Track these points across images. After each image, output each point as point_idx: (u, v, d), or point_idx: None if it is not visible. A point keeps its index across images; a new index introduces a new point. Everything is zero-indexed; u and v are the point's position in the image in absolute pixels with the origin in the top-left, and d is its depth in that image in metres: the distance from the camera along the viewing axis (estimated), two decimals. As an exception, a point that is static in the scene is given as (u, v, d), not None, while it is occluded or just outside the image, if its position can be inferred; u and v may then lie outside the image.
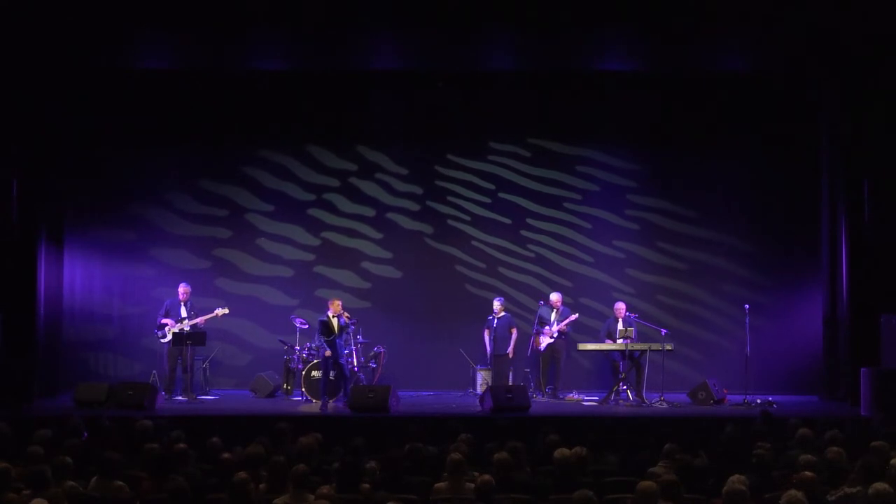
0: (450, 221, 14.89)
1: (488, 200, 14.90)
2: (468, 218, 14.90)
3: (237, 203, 14.79)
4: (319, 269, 14.82)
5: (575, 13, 11.69)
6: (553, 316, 13.57)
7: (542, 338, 13.51)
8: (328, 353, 12.38)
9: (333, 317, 12.47)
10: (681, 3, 11.62)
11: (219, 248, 14.78)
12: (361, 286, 14.72)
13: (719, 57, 13.72)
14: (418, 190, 14.91)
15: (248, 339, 14.60)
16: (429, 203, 14.89)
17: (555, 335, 13.48)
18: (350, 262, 14.82)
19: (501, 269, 14.85)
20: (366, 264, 14.83)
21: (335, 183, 14.88)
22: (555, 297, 13.70)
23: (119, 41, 12.84)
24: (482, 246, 14.89)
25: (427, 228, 14.89)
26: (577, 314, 13.64)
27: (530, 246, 14.86)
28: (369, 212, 14.86)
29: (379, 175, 14.89)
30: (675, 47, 13.15)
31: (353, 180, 14.88)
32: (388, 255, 14.85)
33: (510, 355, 13.61)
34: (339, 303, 12.69)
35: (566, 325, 13.49)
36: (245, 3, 11.72)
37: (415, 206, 14.88)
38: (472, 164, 14.93)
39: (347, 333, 12.92)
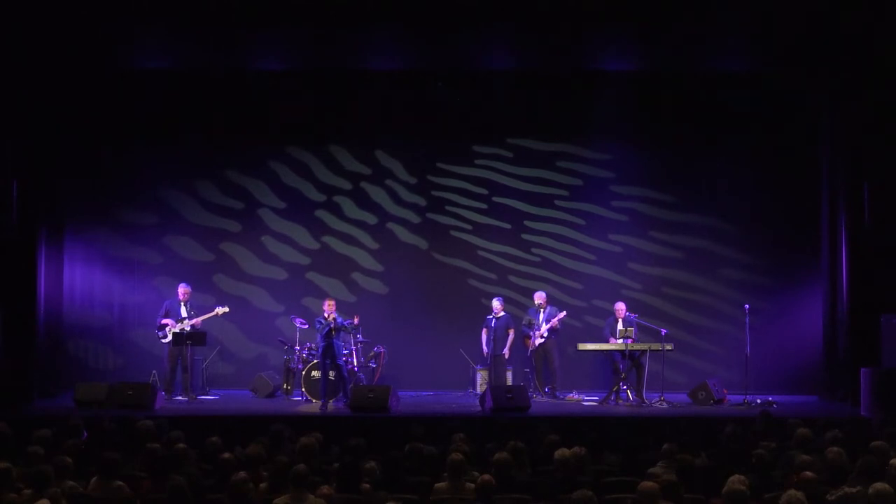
0: (452, 232, 14.87)
1: (485, 206, 14.89)
2: (470, 227, 14.89)
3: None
4: (311, 275, 14.79)
5: (573, 13, 11.69)
6: (540, 316, 13.57)
7: (533, 338, 13.51)
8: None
9: (329, 317, 12.44)
10: (681, 3, 11.62)
11: (225, 242, 14.80)
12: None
13: (719, 57, 13.68)
14: (422, 201, 14.89)
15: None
16: (429, 215, 14.86)
17: (545, 335, 13.47)
18: (342, 272, 14.76)
19: (512, 278, 14.80)
20: (355, 275, 14.79)
21: (347, 185, 14.87)
22: (538, 296, 13.70)
23: (123, 41, 12.83)
24: (487, 254, 14.87)
25: (427, 238, 14.85)
26: (564, 312, 13.61)
27: (534, 249, 14.85)
28: (372, 219, 14.83)
29: (389, 182, 14.88)
30: (675, 47, 13.13)
31: (364, 184, 14.87)
32: (380, 266, 14.81)
33: (506, 355, 13.59)
34: (332, 303, 12.68)
35: (557, 321, 13.48)
36: (248, 3, 11.72)
37: (416, 218, 14.85)
38: (462, 170, 14.91)
39: (347, 333, 12.93)
